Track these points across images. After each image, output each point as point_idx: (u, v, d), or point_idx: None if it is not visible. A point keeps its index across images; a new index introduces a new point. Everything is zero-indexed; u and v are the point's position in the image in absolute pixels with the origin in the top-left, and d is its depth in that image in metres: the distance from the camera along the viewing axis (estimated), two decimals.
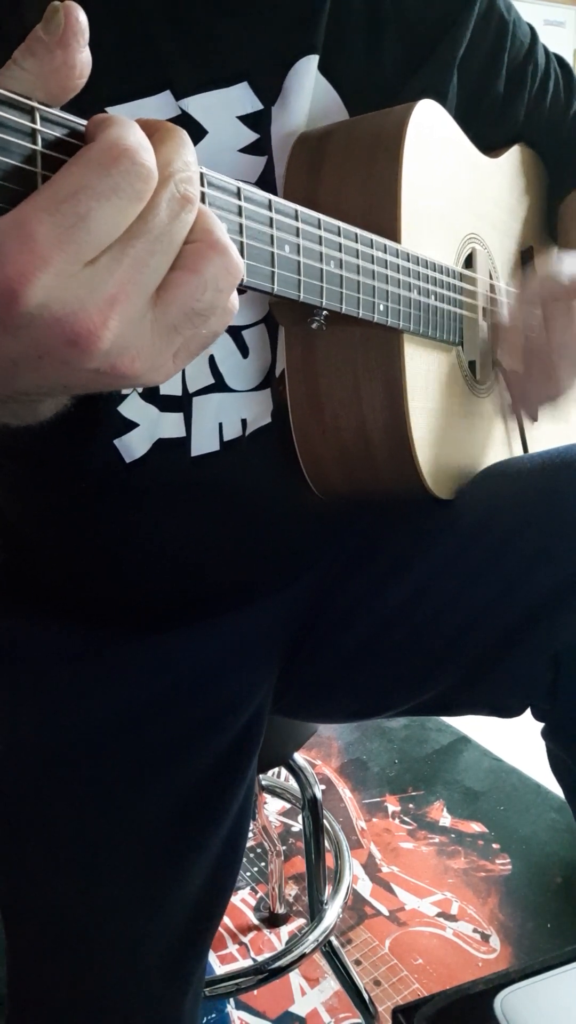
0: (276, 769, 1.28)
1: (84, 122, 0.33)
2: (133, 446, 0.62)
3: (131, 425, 0.62)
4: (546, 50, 0.83)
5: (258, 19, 0.59)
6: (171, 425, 0.63)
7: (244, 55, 0.59)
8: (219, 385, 0.64)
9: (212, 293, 0.35)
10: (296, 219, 0.47)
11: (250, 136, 0.60)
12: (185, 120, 0.57)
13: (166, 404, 0.62)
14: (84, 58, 0.32)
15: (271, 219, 0.45)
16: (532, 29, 0.81)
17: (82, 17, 0.32)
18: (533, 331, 0.72)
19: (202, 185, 0.38)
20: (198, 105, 0.57)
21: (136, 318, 0.33)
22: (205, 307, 0.35)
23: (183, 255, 0.34)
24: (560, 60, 0.86)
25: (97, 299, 0.31)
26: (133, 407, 0.61)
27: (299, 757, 1.03)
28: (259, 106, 0.60)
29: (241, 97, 0.59)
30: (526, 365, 0.73)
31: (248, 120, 0.60)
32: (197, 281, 0.34)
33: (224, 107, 0.59)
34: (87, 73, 0.32)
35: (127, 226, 0.32)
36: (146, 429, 0.62)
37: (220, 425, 0.64)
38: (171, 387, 0.62)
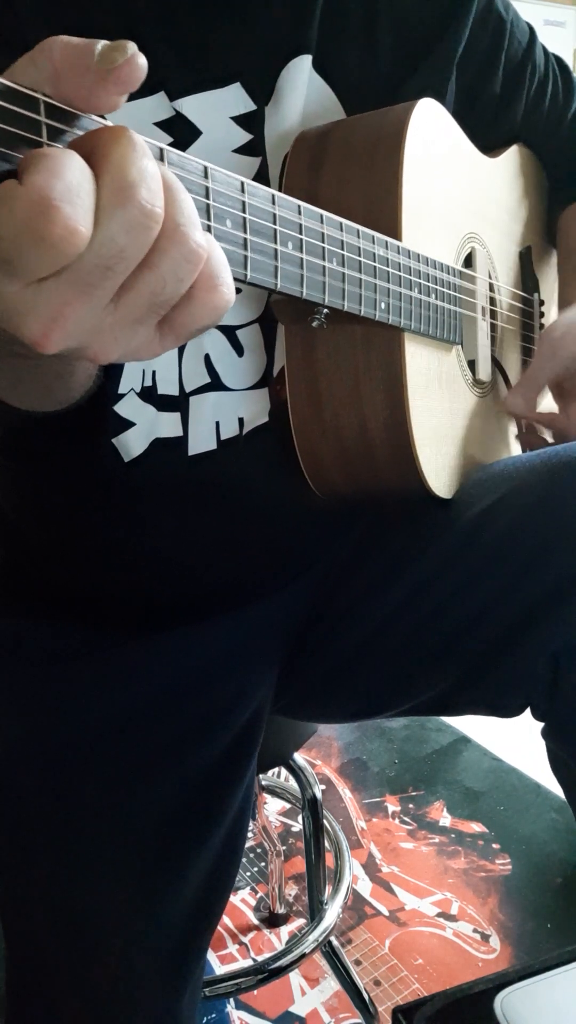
0: (276, 769, 1.28)
1: (94, 117, 0.32)
2: (131, 445, 0.62)
3: (128, 424, 0.62)
4: (545, 51, 0.83)
5: (250, 20, 0.59)
6: (168, 424, 0.63)
7: (236, 56, 0.59)
8: (215, 384, 0.64)
9: (173, 284, 0.33)
10: (299, 215, 0.47)
11: (244, 136, 0.60)
12: (180, 121, 0.57)
13: (163, 404, 0.62)
14: (110, 103, 0.31)
15: (274, 215, 0.45)
16: (531, 29, 0.81)
17: (138, 76, 0.30)
18: (554, 420, 0.73)
19: (205, 179, 0.38)
20: (192, 106, 0.58)
21: (88, 326, 0.32)
22: (169, 298, 0.33)
23: None
24: (559, 61, 0.86)
25: (39, 315, 0.31)
26: (130, 407, 0.62)
27: (299, 757, 1.03)
28: (252, 106, 0.60)
29: (234, 98, 0.59)
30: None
31: (241, 121, 0.60)
32: (154, 277, 0.32)
33: (217, 108, 0.59)
34: (99, 112, 0.31)
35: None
36: (143, 428, 0.62)
37: (217, 424, 0.64)
38: (168, 387, 0.63)
